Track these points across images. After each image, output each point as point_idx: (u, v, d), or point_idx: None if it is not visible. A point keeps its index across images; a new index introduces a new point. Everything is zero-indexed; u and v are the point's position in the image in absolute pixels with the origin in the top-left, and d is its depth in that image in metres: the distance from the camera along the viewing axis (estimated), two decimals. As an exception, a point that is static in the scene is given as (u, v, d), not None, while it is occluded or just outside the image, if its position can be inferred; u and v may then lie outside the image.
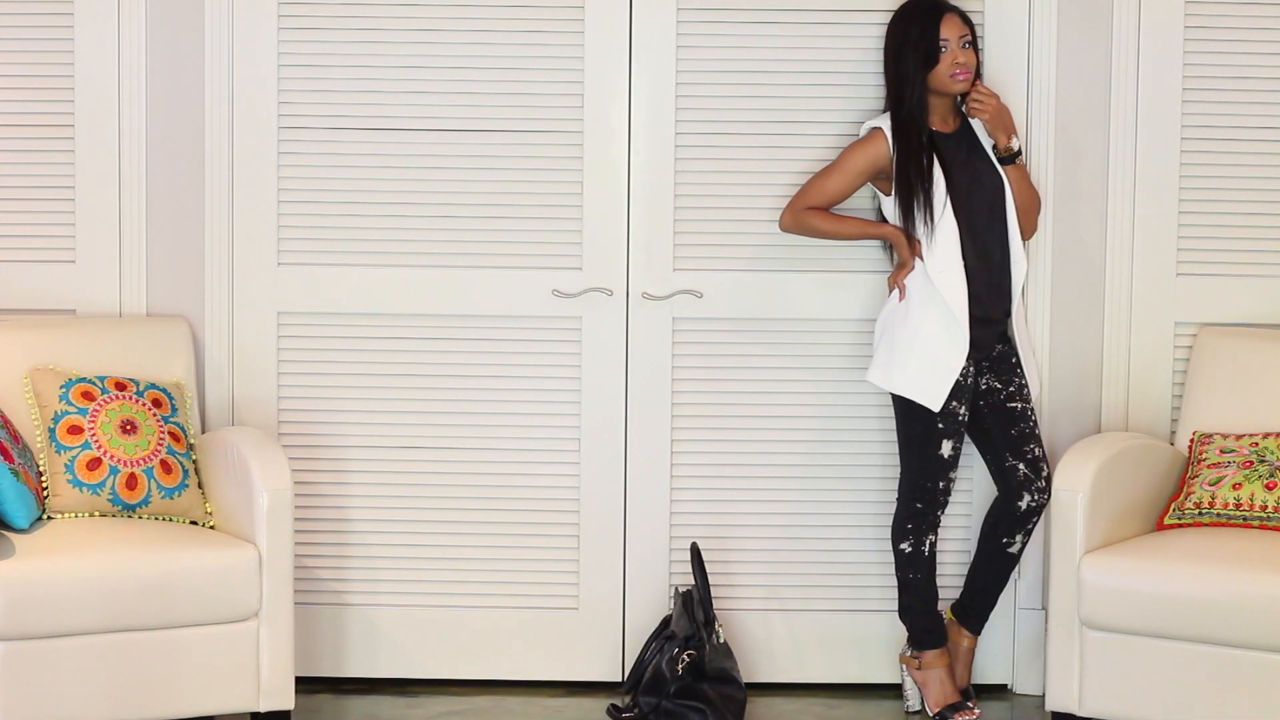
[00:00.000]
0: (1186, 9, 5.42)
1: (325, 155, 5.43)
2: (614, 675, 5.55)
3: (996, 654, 5.55)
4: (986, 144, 5.25)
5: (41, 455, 5.09)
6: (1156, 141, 5.44)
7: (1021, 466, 5.23)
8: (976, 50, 5.20)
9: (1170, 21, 5.42)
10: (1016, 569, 5.43)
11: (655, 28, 5.41)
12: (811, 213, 5.23)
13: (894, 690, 5.48)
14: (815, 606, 5.53)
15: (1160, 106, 5.43)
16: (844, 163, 5.22)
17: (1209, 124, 5.45)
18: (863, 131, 5.27)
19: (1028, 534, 5.30)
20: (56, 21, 5.38)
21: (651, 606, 5.52)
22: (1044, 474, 5.24)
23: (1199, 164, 5.46)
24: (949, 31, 5.13)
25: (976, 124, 5.28)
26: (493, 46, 5.42)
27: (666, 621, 5.36)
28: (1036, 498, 5.23)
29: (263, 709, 4.96)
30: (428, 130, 5.44)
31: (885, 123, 5.21)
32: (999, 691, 5.55)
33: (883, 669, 5.52)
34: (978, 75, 5.22)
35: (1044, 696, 5.16)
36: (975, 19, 5.39)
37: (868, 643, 5.52)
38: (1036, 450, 5.25)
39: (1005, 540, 5.29)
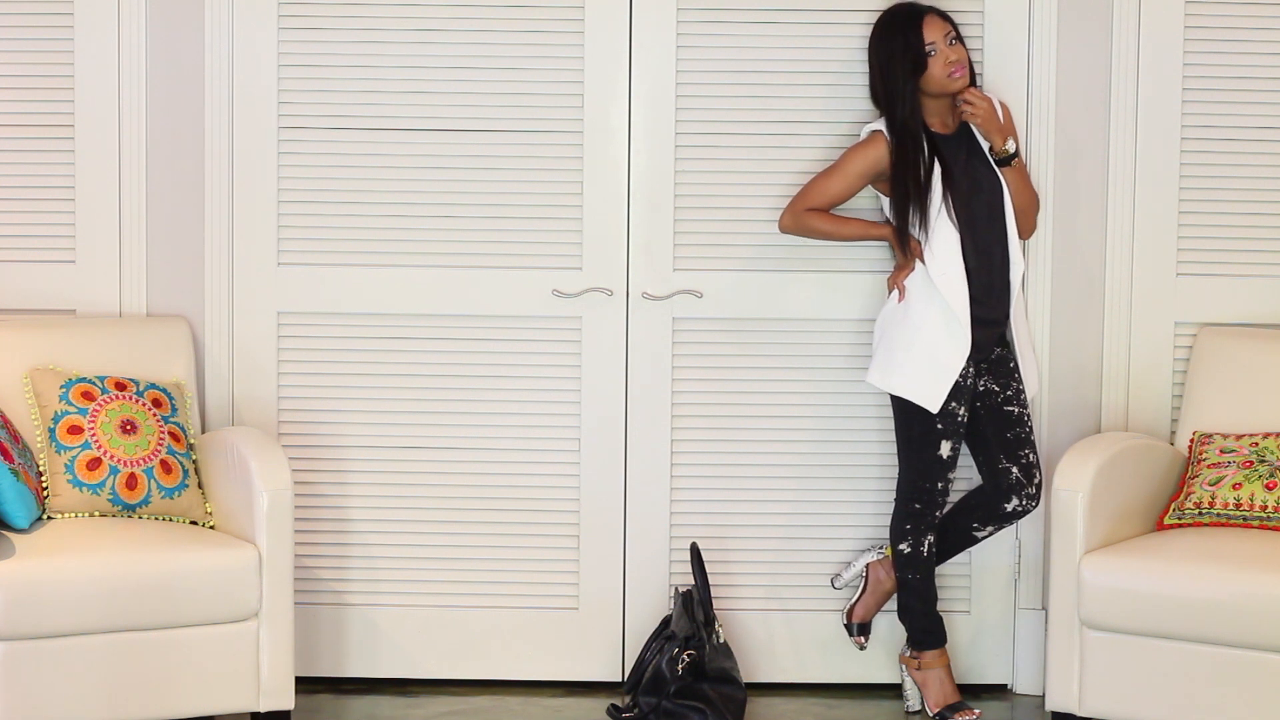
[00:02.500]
0: (1186, 9, 5.42)
1: (325, 155, 5.43)
2: (614, 675, 5.55)
3: (996, 654, 5.55)
4: (985, 145, 5.25)
5: (41, 455, 5.09)
6: (1156, 141, 5.44)
7: (1015, 470, 5.23)
8: (964, 43, 5.19)
9: (1170, 21, 5.42)
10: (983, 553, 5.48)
11: (655, 28, 5.41)
12: (812, 214, 5.23)
13: (894, 690, 5.48)
14: (815, 606, 5.53)
15: (1160, 106, 5.43)
16: (844, 165, 5.22)
17: (1209, 124, 5.45)
18: (863, 134, 5.27)
19: (1000, 529, 5.31)
20: (56, 21, 5.38)
21: (651, 606, 5.52)
22: (1036, 481, 5.24)
23: (1199, 164, 5.46)
24: (932, 34, 5.13)
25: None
26: (492, 46, 5.42)
27: (666, 621, 5.36)
28: (1025, 503, 5.23)
29: (263, 709, 4.96)
30: (428, 130, 5.44)
31: (879, 127, 5.21)
32: (999, 691, 5.55)
33: (882, 669, 5.52)
34: (972, 72, 5.21)
35: (1044, 696, 5.16)
36: (975, 19, 5.40)
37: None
38: (1031, 456, 5.25)
39: (975, 526, 5.30)
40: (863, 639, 5.41)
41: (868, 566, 5.39)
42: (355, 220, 5.45)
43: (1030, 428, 5.27)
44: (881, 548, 5.39)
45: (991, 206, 5.21)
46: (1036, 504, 5.24)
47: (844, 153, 5.25)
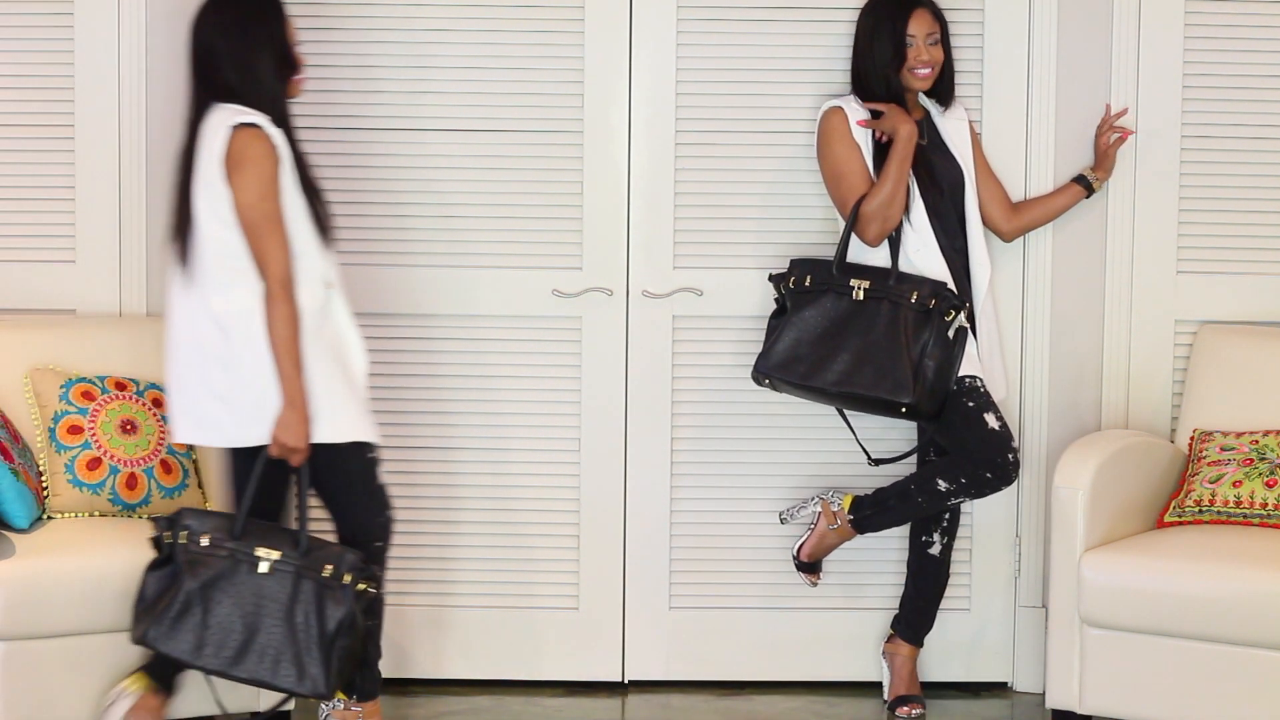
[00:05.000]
0: (1186, 9, 5.42)
1: (324, 155, 5.40)
2: (614, 675, 5.55)
3: (997, 651, 5.55)
4: (948, 139, 5.24)
5: (41, 455, 5.09)
6: (1156, 141, 5.44)
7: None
8: (946, 47, 5.19)
9: (1170, 21, 5.42)
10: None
11: (655, 27, 5.42)
12: (867, 200, 5.11)
13: (894, 690, 5.49)
14: (814, 605, 5.53)
15: (1160, 106, 5.44)
16: (839, 151, 5.16)
17: (1209, 124, 5.46)
18: (821, 118, 5.22)
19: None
20: (56, 21, 5.38)
21: (652, 606, 5.52)
22: None
23: (1199, 163, 5.47)
24: (916, 28, 5.13)
25: (940, 118, 5.26)
26: (490, 47, 5.42)
27: None
28: None
29: (263, 709, 4.96)
30: (427, 130, 5.44)
31: (836, 102, 5.19)
32: (999, 689, 5.55)
33: (880, 667, 5.51)
34: (943, 72, 5.21)
35: (1044, 694, 5.16)
36: (974, 19, 5.41)
37: (867, 641, 5.52)
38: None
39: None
40: (814, 577, 5.41)
41: (819, 513, 5.36)
42: (353, 220, 5.44)
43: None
44: (834, 495, 5.36)
45: (953, 197, 5.22)
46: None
47: (825, 148, 5.19)
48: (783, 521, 5.40)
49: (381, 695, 5.39)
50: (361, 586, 4.64)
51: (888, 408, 5.09)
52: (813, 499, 5.34)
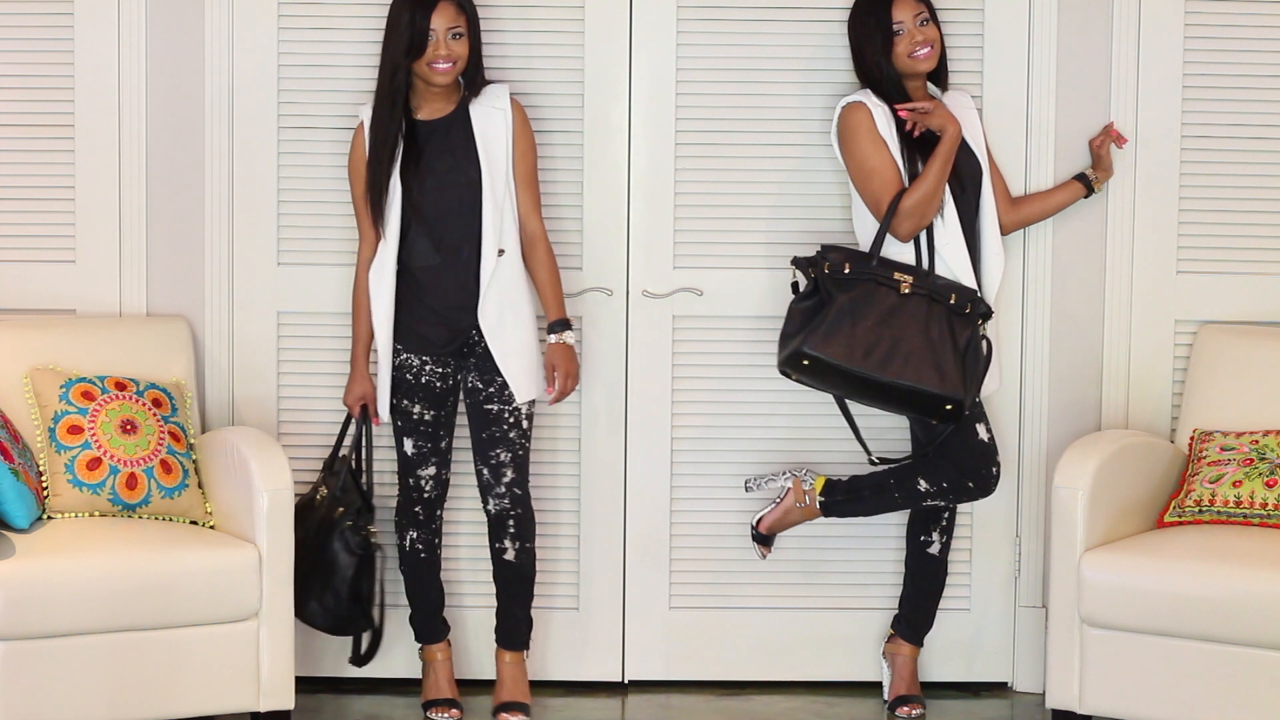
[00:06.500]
0: (1186, 9, 5.42)
1: (325, 155, 5.43)
2: (614, 675, 5.54)
3: (997, 651, 5.55)
4: (965, 131, 5.20)
5: (41, 455, 5.09)
6: (1156, 141, 5.44)
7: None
8: (938, 23, 5.17)
9: (1170, 21, 5.42)
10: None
11: (655, 28, 5.42)
12: (906, 196, 5.07)
13: (894, 690, 5.49)
14: (814, 605, 5.53)
15: (1160, 106, 5.44)
16: (865, 146, 5.11)
17: (1209, 124, 5.46)
18: (840, 112, 5.18)
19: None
20: (56, 21, 5.38)
21: (651, 606, 5.52)
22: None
23: (1199, 163, 5.47)
24: (901, 13, 5.11)
25: (958, 109, 5.24)
26: (492, 47, 5.40)
27: None
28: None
29: (263, 709, 4.96)
30: (428, 130, 5.43)
31: (856, 97, 5.15)
32: (999, 689, 5.55)
33: (880, 667, 5.51)
34: (943, 55, 5.21)
35: (1044, 694, 5.16)
36: (974, 19, 5.41)
37: (867, 641, 5.52)
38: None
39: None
40: (766, 549, 5.41)
41: (788, 489, 5.34)
42: (355, 220, 5.43)
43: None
44: (806, 473, 5.34)
45: (972, 196, 5.20)
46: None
47: (851, 144, 5.15)
48: (747, 489, 5.38)
49: (381, 696, 5.41)
50: (361, 534, 5.18)
51: (927, 404, 5.02)
52: (784, 473, 5.33)
